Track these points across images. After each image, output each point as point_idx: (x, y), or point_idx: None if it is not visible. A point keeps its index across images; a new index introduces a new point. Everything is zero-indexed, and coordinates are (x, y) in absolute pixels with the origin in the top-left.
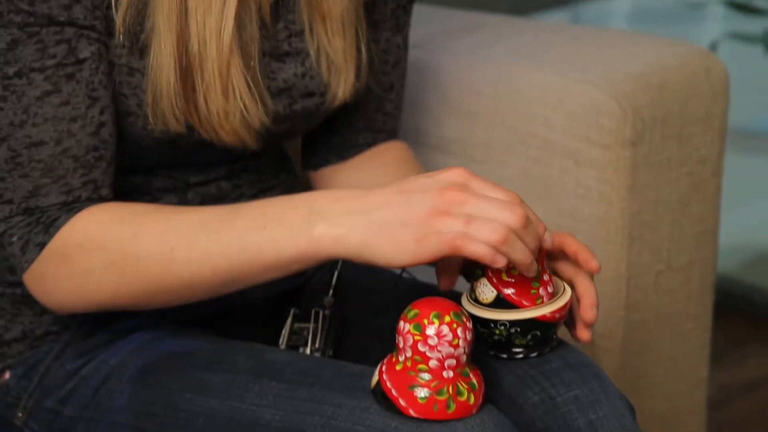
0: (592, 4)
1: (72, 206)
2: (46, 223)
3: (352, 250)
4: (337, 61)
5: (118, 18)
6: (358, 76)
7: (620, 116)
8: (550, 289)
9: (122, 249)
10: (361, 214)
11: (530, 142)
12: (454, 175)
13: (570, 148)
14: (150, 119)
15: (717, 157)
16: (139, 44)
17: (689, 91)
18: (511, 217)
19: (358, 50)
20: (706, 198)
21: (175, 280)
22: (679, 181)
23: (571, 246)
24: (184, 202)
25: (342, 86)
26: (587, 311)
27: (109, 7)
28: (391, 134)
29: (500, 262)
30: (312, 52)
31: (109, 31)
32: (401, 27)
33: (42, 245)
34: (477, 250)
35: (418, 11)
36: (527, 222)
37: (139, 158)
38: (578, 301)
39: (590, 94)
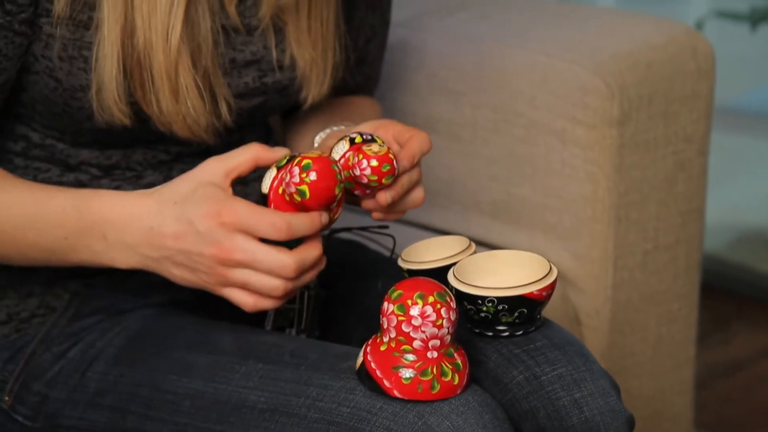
0: None
1: None
2: None
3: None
4: (306, 71)
5: (58, 4)
6: (333, 78)
7: (607, 95)
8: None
9: None
10: (151, 259)
11: (516, 121)
12: (226, 227)
13: (556, 127)
14: (95, 109)
15: (703, 136)
16: (82, 17)
17: (675, 70)
18: (282, 272)
19: (333, 54)
20: (692, 177)
21: None
22: (666, 161)
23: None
24: (168, 177)
25: (312, 92)
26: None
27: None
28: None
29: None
30: (275, 54)
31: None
32: (377, 6)
33: None
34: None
35: None
36: (299, 267)
37: (110, 134)
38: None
39: (576, 73)
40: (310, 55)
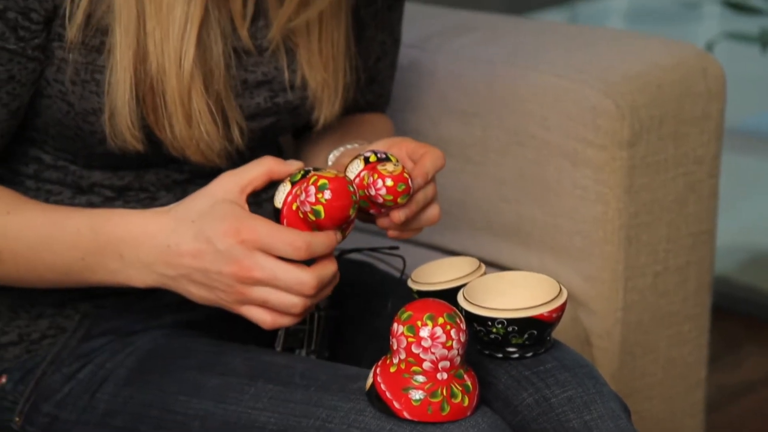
0: (589, 4)
1: None
2: None
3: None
4: (318, 92)
5: (71, 30)
6: (344, 99)
7: (617, 117)
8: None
9: None
10: (168, 277)
11: (527, 143)
12: (246, 245)
13: (567, 148)
14: (107, 135)
15: (713, 158)
16: (94, 42)
17: (686, 91)
18: (301, 290)
19: (344, 75)
20: (702, 199)
21: (4, 276)
22: (676, 182)
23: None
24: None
25: (324, 113)
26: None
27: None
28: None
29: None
30: (287, 75)
31: (58, 34)
32: (386, 25)
33: None
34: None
35: (415, 10)
36: (318, 283)
37: (123, 158)
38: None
39: (587, 94)
40: (322, 77)
